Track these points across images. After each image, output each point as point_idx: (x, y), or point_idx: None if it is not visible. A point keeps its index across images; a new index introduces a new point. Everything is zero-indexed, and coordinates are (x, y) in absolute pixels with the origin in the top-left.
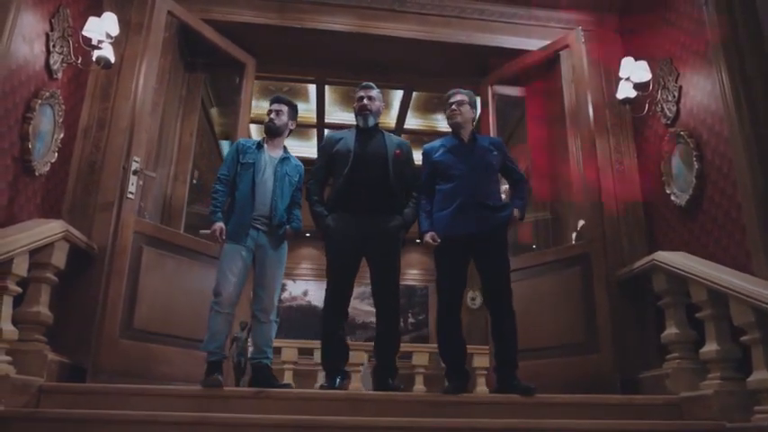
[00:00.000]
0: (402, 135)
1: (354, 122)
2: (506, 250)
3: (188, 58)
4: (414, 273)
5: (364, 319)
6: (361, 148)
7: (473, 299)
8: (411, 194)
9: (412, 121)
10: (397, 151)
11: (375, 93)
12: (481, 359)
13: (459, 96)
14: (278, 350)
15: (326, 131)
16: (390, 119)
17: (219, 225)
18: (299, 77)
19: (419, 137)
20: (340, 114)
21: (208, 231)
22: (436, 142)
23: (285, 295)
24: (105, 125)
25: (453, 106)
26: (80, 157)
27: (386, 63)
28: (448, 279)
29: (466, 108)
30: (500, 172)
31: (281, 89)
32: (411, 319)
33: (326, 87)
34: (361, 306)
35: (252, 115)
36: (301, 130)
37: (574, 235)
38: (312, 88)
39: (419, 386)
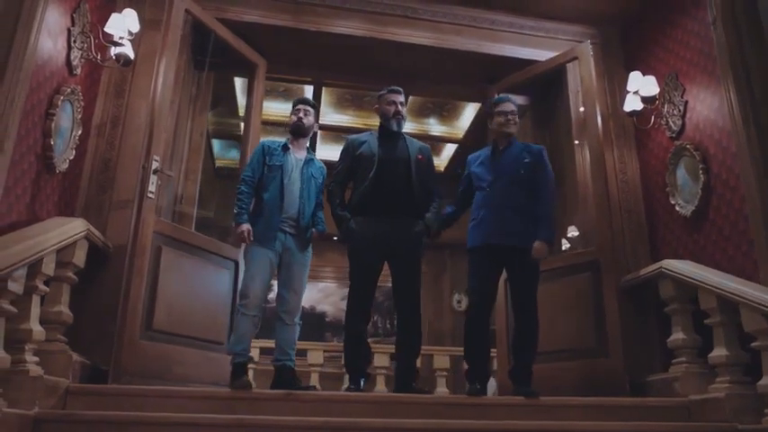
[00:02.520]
0: None
1: (347, 125)
2: (534, 262)
3: (198, 56)
4: None
5: None
6: (385, 151)
7: (459, 301)
8: (432, 199)
9: (406, 125)
10: (420, 156)
11: (403, 98)
12: None
13: (513, 106)
14: (270, 351)
15: (319, 132)
16: None
17: (247, 227)
18: (297, 78)
19: None
20: (334, 116)
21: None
22: (478, 153)
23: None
24: (119, 123)
25: (509, 116)
26: (94, 154)
27: (397, 68)
28: (475, 282)
29: (516, 117)
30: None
31: (278, 89)
32: None
33: (323, 89)
34: None
35: (243, 114)
36: None
37: (564, 241)
38: (308, 90)
39: None
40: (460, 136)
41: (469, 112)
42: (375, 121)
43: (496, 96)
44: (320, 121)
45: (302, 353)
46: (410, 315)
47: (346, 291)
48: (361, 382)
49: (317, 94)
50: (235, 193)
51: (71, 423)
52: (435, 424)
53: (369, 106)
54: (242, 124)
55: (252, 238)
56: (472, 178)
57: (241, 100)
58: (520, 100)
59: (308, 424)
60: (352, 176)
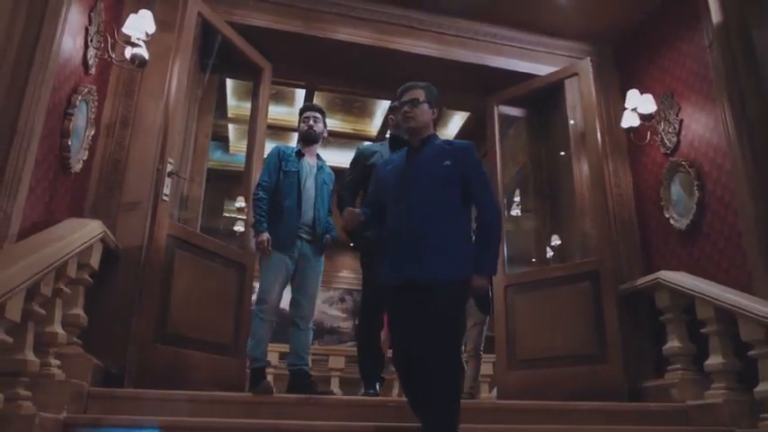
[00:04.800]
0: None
1: (336, 129)
2: (450, 310)
3: (204, 58)
4: None
5: (332, 324)
6: None
7: None
8: None
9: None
10: None
11: None
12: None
13: (415, 92)
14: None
15: None
16: (373, 128)
17: (267, 236)
18: (291, 82)
19: None
20: None
21: None
22: (392, 155)
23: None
24: (129, 123)
25: (406, 107)
26: (103, 154)
27: (399, 77)
28: (396, 330)
29: (423, 108)
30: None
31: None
32: None
33: (315, 93)
34: (330, 311)
35: (231, 115)
36: (281, 132)
37: (548, 249)
38: (300, 93)
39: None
40: None
41: (456, 120)
42: (362, 127)
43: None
44: None
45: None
46: None
47: (328, 294)
48: (377, 387)
49: (309, 98)
50: (253, 199)
51: (100, 427)
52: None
53: (358, 112)
54: (229, 125)
55: (271, 247)
56: (379, 189)
57: (231, 101)
58: (517, 112)
59: (337, 428)
60: (362, 185)
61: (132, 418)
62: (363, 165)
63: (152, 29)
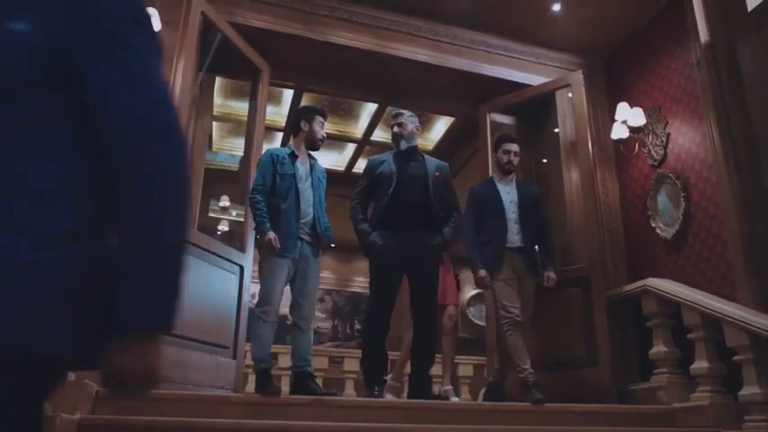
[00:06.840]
0: (367, 146)
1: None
2: None
3: (202, 57)
4: (360, 280)
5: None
6: (402, 170)
7: None
8: (451, 214)
9: (379, 134)
10: (437, 173)
11: (404, 118)
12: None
13: None
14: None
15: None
16: (358, 130)
17: (273, 235)
18: (283, 82)
19: (383, 149)
20: None
21: None
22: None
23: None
24: None
25: None
26: None
27: (395, 82)
28: None
29: None
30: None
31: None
32: (357, 326)
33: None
34: None
35: (216, 113)
36: (267, 132)
37: None
38: (287, 93)
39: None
40: (431, 147)
41: (441, 124)
42: (348, 129)
43: None
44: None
45: (274, 356)
46: (426, 325)
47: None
48: (382, 389)
49: (296, 99)
50: (250, 202)
51: (115, 428)
52: (460, 429)
53: (345, 114)
54: (213, 123)
55: (278, 245)
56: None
57: (217, 99)
58: (508, 119)
59: (343, 429)
60: (372, 194)
61: (146, 419)
62: (373, 175)
63: (158, 27)
